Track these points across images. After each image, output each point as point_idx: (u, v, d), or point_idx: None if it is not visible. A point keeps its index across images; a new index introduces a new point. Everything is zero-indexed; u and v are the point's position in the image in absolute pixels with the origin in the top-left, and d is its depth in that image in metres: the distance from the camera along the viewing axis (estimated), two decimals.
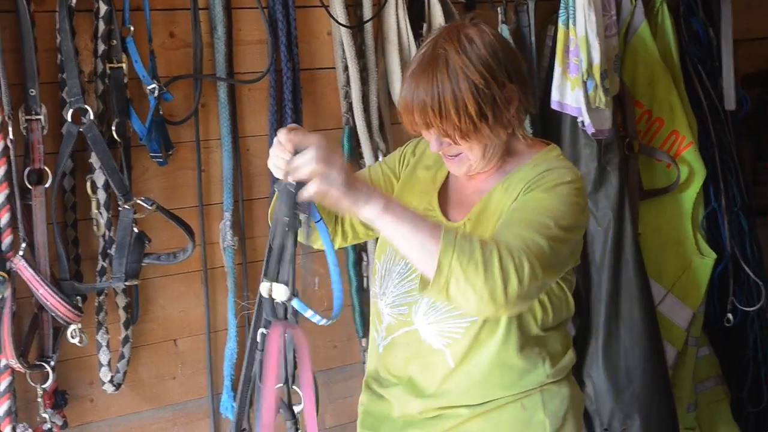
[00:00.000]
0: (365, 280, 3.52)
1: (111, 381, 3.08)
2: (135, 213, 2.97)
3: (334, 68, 3.49)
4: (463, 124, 2.34)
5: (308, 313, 2.21)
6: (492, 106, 2.35)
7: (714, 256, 4.06)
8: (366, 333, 3.47)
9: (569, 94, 3.58)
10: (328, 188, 2.11)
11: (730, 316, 4.24)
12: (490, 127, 2.37)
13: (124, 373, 3.11)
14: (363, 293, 3.49)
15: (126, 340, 3.11)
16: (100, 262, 3.04)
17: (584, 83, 3.53)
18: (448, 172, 2.58)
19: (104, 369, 3.08)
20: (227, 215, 3.30)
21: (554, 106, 3.61)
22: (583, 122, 3.60)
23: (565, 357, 2.53)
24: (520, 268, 2.13)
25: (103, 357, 3.07)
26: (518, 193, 2.38)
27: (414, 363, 2.51)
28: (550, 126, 3.81)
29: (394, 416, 2.56)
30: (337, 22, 3.39)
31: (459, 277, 2.11)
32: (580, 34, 3.50)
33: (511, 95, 2.38)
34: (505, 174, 2.48)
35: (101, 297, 3.06)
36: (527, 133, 2.56)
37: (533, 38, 3.79)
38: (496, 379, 2.45)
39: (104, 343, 3.07)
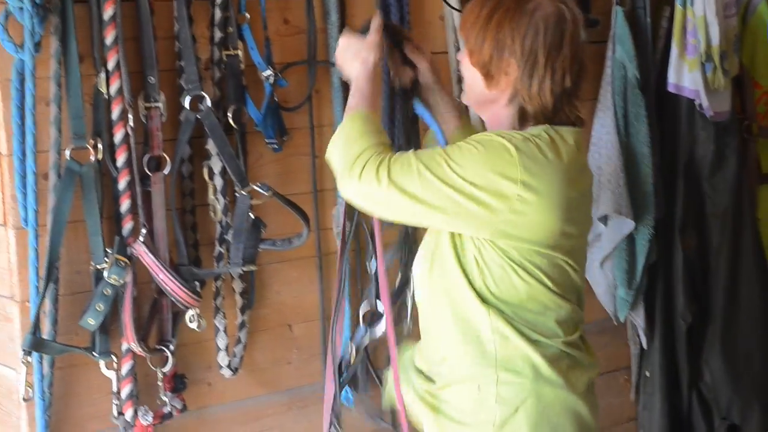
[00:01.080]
0: None
1: (228, 365, 3.11)
2: (251, 199, 2.99)
3: (446, 52, 3.47)
4: (471, 45, 2.48)
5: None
6: (495, 61, 2.43)
7: None
8: None
9: (687, 76, 3.52)
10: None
11: None
12: (483, 68, 2.46)
13: (241, 357, 3.14)
14: None
15: (242, 325, 3.14)
16: (217, 248, 3.07)
17: (702, 65, 3.46)
18: None
19: (222, 353, 3.11)
20: (341, 201, 3.30)
21: (671, 88, 3.56)
22: (700, 104, 3.54)
23: (530, 347, 2.45)
24: (371, 166, 2.39)
25: (221, 341, 3.11)
26: None
27: None
28: (665, 108, 3.75)
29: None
30: (450, 5, 3.38)
31: (334, 142, 2.53)
32: (698, 15, 3.43)
33: (509, 70, 2.43)
34: None
35: (218, 282, 3.09)
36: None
37: (648, 19, 3.72)
38: (446, 336, 2.50)
39: (222, 328, 3.10)
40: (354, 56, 2.60)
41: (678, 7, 3.51)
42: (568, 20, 2.42)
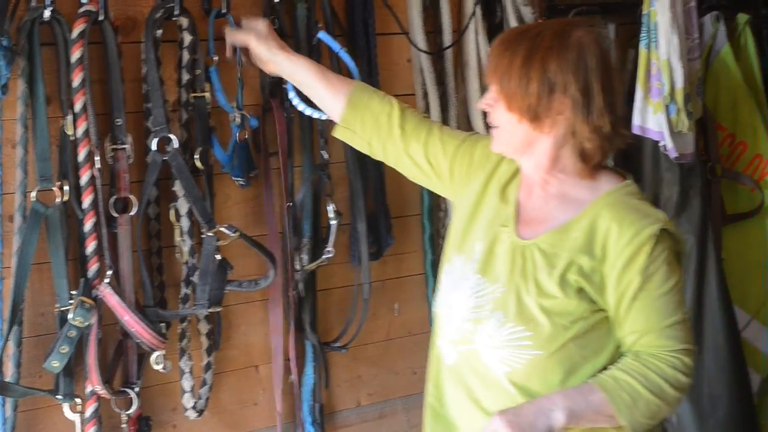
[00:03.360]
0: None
1: (194, 407, 3.10)
2: (218, 240, 2.99)
3: (413, 95, 3.49)
4: (510, 89, 2.41)
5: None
6: (545, 102, 2.39)
7: None
8: None
9: (651, 118, 3.53)
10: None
11: None
12: (523, 113, 2.41)
13: (207, 399, 3.12)
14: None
15: (208, 366, 3.13)
16: (183, 289, 3.06)
17: (667, 107, 3.49)
18: (519, 186, 2.58)
19: (187, 395, 3.10)
20: (305, 241, 3.30)
21: (635, 130, 3.57)
22: (665, 146, 3.56)
23: None
24: (676, 380, 2.40)
25: (186, 383, 3.09)
26: (619, 263, 2.39)
27: (477, 382, 2.49)
28: (630, 150, 3.77)
29: None
30: (418, 48, 3.40)
31: (654, 420, 2.44)
32: (662, 58, 3.46)
33: (562, 109, 2.39)
34: (575, 202, 2.47)
35: (184, 324, 3.08)
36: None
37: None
38: None
39: (187, 370, 3.09)
40: (547, 414, 2.36)
41: (642, 50, 3.53)
42: (608, 46, 2.46)
